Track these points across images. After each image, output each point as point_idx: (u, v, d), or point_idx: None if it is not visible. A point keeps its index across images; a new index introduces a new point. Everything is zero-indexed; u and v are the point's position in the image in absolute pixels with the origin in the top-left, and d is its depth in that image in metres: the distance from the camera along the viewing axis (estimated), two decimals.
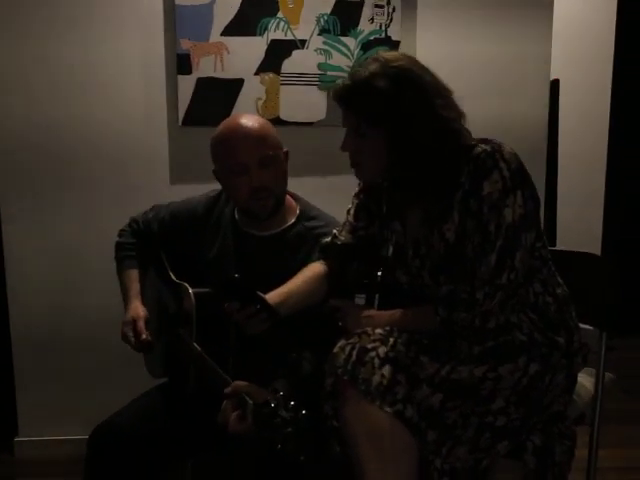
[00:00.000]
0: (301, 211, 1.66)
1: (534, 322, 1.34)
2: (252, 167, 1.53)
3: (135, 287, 1.69)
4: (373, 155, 1.34)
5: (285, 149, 1.62)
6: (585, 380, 1.53)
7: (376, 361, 1.23)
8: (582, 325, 1.43)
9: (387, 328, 1.31)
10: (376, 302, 1.50)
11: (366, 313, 1.39)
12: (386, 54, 1.34)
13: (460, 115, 1.34)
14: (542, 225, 1.42)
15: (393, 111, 1.28)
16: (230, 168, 1.56)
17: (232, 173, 1.56)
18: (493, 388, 1.29)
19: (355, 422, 1.22)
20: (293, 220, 1.64)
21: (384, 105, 1.28)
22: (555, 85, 2.75)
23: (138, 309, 1.64)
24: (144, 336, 1.58)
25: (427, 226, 1.36)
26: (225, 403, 1.34)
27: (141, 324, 1.60)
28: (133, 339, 1.60)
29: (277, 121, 2.24)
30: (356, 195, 1.55)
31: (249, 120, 1.57)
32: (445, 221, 1.32)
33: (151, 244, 1.75)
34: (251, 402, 1.27)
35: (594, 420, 1.45)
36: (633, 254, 3.84)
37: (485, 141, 1.32)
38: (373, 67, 1.31)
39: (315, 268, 1.47)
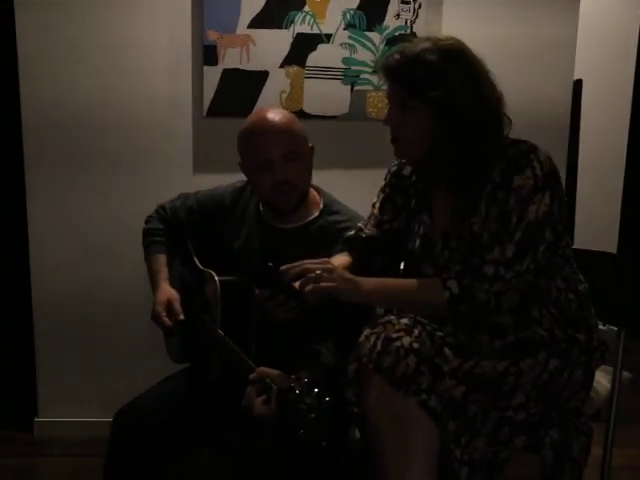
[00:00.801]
0: (325, 205, 1.68)
1: (555, 318, 1.36)
2: (276, 161, 1.55)
3: (164, 271, 1.72)
4: (416, 130, 1.34)
5: (310, 144, 1.64)
6: (602, 378, 1.55)
7: (401, 351, 1.25)
8: (600, 325, 1.45)
9: (411, 316, 1.33)
10: None
11: (348, 276, 1.34)
12: (437, 35, 1.36)
13: (503, 105, 1.36)
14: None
15: (441, 85, 1.29)
16: (255, 162, 1.58)
17: (257, 167, 1.58)
18: (515, 383, 1.31)
19: (379, 409, 1.25)
20: (317, 214, 1.66)
21: (433, 79, 1.29)
22: (578, 85, 2.76)
23: (171, 291, 1.67)
24: (181, 316, 1.61)
25: (457, 219, 1.38)
26: (249, 388, 1.36)
27: (177, 305, 1.63)
28: (166, 319, 1.62)
29: (300, 114, 2.26)
30: (382, 189, 1.57)
31: (275, 115, 1.58)
32: (473, 214, 1.34)
33: (178, 231, 1.78)
34: (275, 388, 1.30)
35: (610, 417, 1.47)
36: None
37: (521, 142, 1.34)
38: (423, 44, 1.33)
39: (341, 260, 1.49)
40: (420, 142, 1.36)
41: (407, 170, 1.53)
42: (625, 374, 1.55)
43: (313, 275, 1.29)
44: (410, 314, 1.35)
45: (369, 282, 1.35)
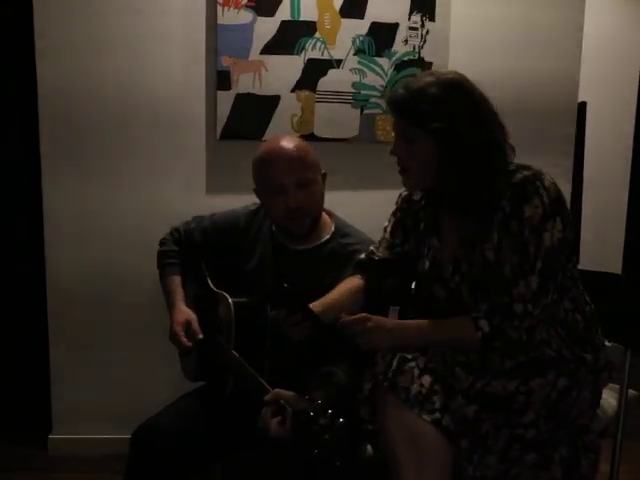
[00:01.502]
0: (336, 228, 1.73)
1: (563, 338, 1.40)
2: (289, 188, 1.60)
3: (180, 291, 1.78)
4: (421, 160, 1.40)
5: (323, 171, 1.69)
6: (609, 395, 1.59)
7: (415, 371, 1.30)
8: (607, 342, 1.50)
9: None
10: (410, 314, 1.57)
11: (386, 325, 1.39)
12: (439, 70, 1.42)
13: (505, 134, 1.42)
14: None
15: (443, 116, 1.35)
16: (269, 188, 1.64)
17: (270, 193, 1.64)
18: (525, 402, 1.35)
19: (394, 427, 1.29)
20: (328, 237, 1.71)
21: (435, 110, 1.35)
22: (582, 107, 2.81)
23: (188, 311, 1.72)
24: (200, 335, 1.66)
25: (467, 244, 1.43)
26: (265, 409, 1.40)
27: (196, 325, 1.68)
28: (185, 340, 1.67)
29: (311, 137, 2.32)
30: (393, 213, 1.62)
31: (289, 142, 1.64)
32: (485, 240, 1.39)
33: (192, 253, 1.83)
34: (290, 410, 1.34)
35: (617, 433, 1.51)
36: None
37: (525, 167, 1.39)
38: (426, 78, 1.40)
39: (354, 281, 1.54)
40: (426, 172, 1.42)
41: (417, 195, 1.58)
42: (631, 392, 1.59)
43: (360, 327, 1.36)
44: None
45: (406, 328, 1.41)
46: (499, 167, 1.40)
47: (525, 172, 1.38)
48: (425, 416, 1.28)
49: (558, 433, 1.38)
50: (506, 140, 1.42)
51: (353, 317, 1.38)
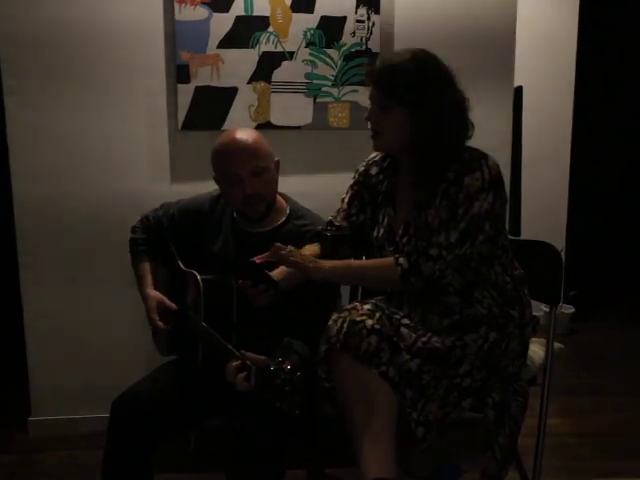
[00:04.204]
0: (291, 210, 1.89)
1: (494, 298, 1.60)
2: (245, 177, 1.75)
3: (149, 277, 1.92)
4: (393, 127, 1.59)
5: (276, 159, 1.84)
6: (537, 348, 1.79)
7: (364, 331, 1.47)
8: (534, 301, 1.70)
9: (373, 302, 1.55)
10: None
11: (325, 264, 1.57)
12: (413, 48, 1.61)
13: (467, 108, 1.60)
14: (507, 220, 1.69)
15: (416, 89, 1.54)
16: (226, 177, 1.79)
17: (228, 181, 1.79)
18: (461, 355, 1.54)
19: (347, 381, 1.47)
20: (284, 219, 1.87)
21: (408, 83, 1.54)
22: (519, 91, 3.01)
23: (157, 294, 1.88)
24: (174, 307, 1.84)
25: (417, 210, 1.61)
26: (229, 364, 1.56)
27: (168, 302, 1.85)
28: (160, 324, 1.83)
29: (268, 125, 2.47)
30: (351, 186, 1.79)
31: (243, 134, 1.79)
32: (429, 207, 1.58)
33: (162, 237, 1.97)
34: (254, 367, 1.51)
35: (544, 382, 1.71)
36: (596, 245, 4.17)
37: (474, 149, 1.59)
38: (402, 54, 1.59)
39: (312, 249, 1.71)
40: (395, 137, 1.60)
41: (374, 170, 1.76)
42: (557, 344, 1.80)
43: (284, 252, 1.54)
44: (372, 300, 1.58)
45: (331, 262, 1.60)
46: (461, 138, 1.59)
47: (473, 152, 1.57)
48: (373, 370, 1.46)
49: (490, 380, 1.58)
50: (467, 114, 1.61)
51: (304, 254, 1.58)
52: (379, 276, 1.59)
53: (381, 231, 1.69)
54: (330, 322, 1.52)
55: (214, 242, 1.89)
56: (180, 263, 1.92)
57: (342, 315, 1.52)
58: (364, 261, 1.63)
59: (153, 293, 1.89)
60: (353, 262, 1.64)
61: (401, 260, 1.54)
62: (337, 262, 1.60)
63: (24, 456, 2.48)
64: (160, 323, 1.83)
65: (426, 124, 1.55)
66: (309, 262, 1.55)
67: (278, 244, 1.56)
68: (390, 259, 1.56)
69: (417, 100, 1.54)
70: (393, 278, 1.54)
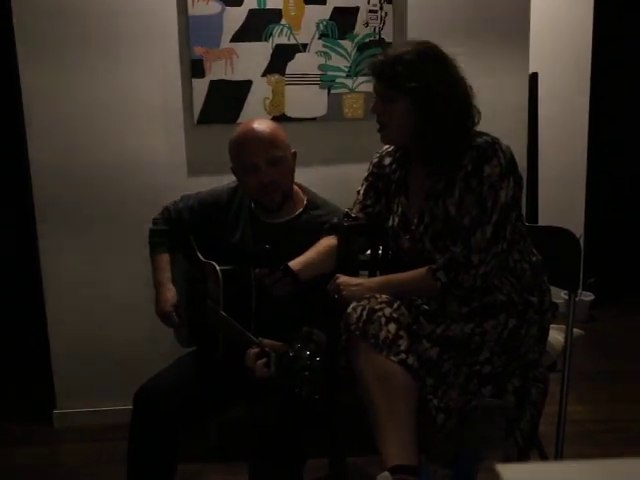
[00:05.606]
0: (308, 201, 1.91)
1: (513, 284, 1.59)
2: (262, 166, 1.78)
3: (167, 269, 1.96)
4: (398, 118, 1.59)
5: (293, 150, 1.86)
6: (557, 334, 1.79)
7: (382, 319, 1.48)
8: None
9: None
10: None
11: (355, 281, 1.61)
12: (414, 40, 1.62)
13: (472, 96, 1.60)
14: (524, 206, 1.69)
15: (418, 78, 1.54)
16: (243, 166, 1.82)
17: (245, 171, 1.82)
18: (480, 342, 1.55)
19: (366, 369, 1.48)
20: (301, 209, 1.89)
21: (410, 73, 1.55)
22: (534, 78, 3.00)
23: (172, 288, 1.93)
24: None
25: (432, 199, 1.61)
26: (249, 350, 1.59)
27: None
28: (175, 318, 1.87)
29: (283, 118, 2.48)
30: (366, 178, 1.80)
31: (261, 124, 1.82)
32: (448, 196, 1.58)
33: (181, 229, 1.99)
34: (274, 354, 1.53)
35: (565, 368, 1.71)
36: (615, 232, 4.13)
37: (484, 134, 1.58)
38: (402, 46, 1.61)
39: (329, 241, 1.73)
40: (402, 129, 1.61)
41: (387, 160, 1.77)
42: (576, 331, 1.79)
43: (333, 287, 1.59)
44: None
45: (373, 282, 1.63)
46: (467, 125, 1.59)
47: (485, 137, 1.57)
48: (392, 357, 1.47)
49: (510, 367, 1.58)
50: (472, 102, 1.61)
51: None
52: (419, 290, 1.59)
53: (396, 220, 1.70)
54: (349, 310, 1.53)
55: (233, 233, 1.91)
56: (199, 254, 1.95)
57: (361, 303, 1.53)
58: (401, 276, 1.62)
59: (170, 285, 1.92)
60: (391, 278, 1.63)
61: (439, 274, 1.54)
62: (374, 280, 1.63)
63: (50, 448, 2.53)
64: (175, 317, 1.87)
65: (429, 111, 1.55)
66: (355, 289, 1.59)
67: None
68: (426, 272, 1.55)
69: (419, 88, 1.54)
70: (431, 292, 1.57)
